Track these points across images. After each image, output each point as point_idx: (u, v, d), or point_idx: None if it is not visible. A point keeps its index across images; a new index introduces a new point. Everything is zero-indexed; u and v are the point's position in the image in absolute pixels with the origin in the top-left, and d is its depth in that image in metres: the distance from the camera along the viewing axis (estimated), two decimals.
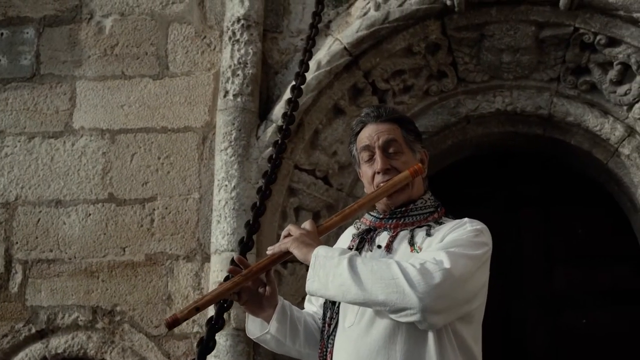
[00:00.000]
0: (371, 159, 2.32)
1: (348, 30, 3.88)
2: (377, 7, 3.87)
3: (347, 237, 2.39)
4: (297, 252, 2.17)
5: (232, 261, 2.31)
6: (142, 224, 3.97)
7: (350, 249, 2.25)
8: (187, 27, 4.20)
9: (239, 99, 3.83)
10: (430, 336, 2.06)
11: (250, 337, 2.41)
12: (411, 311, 1.96)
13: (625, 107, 4.08)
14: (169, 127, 4.07)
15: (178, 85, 4.13)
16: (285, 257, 2.23)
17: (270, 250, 2.23)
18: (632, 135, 4.08)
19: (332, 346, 2.19)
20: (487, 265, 2.17)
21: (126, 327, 3.86)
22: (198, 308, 2.12)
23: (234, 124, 3.81)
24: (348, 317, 2.16)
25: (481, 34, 4.05)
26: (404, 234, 2.24)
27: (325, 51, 3.89)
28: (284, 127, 2.55)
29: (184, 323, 3.71)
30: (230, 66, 3.90)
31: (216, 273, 3.67)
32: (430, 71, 4.18)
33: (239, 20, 3.95)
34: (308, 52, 2.78)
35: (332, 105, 3.98)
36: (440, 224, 2.25)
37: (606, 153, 4.17)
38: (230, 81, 3.88)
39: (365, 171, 2.35)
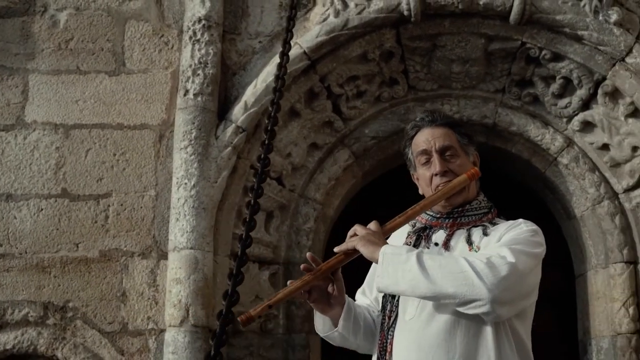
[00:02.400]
0: (428, 162, 2.64)
1: (308, 35, 4.31)
2: (337, 14, 4.32)
3: (401, 233, 2.69)
4: (364, 250, 2.43)
5: (305, 260, 2.59)
6: (97, 220, 4.27)
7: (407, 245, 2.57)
8: (144, 24, 4.53)
9: (199, 99, 4.21)
10: (489, 331, 2.38)
11: (319, 334, 2.74)
12: (480, 302, 2.26)
13: (565, 120, 4.64)
14: (125, 124, 4.40)
15: (135, 83, 4.47)
16: (353, 256, 2.49)
17: (337, 249, 2.50)
18: (571, 146, 4.66)
19: (392, 337, 2.48)
20: (541, 265, 2.47)
21: (79, 324, 4.15)
22: (270, 306, 2.39)
23: (194, 123, 4.18)
24: (408, 310, 2.46)
25: (434, 44, 4.59)
26: (460, 233, 2.58)
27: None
28: (266, 141, 2.85)
29: (139, 320, 4.07)
30: (190, 65, 4.27)
31: (174, 270, 4.04)
32: (382, 78, 4.72)
33: (200, 20, 4.34)
34: (287, 51, 3.11)
35: (289, 107, 4.44)
36: (494, 224, 2.60)
37: (545, 162, 4.74)
38: (190, 80, 4.24)
39: (423, 173, 2.66)
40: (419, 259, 2.31)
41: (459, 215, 2.62)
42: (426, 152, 2.64)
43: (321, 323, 2.68)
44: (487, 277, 2.25)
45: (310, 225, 4.65)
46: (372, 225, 2.50)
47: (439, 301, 2.34)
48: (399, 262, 2.33)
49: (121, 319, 4.20)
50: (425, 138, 2.66)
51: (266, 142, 2.95)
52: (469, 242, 2.54)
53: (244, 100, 4.32)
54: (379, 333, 2.56)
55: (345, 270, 2.64)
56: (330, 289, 2.58)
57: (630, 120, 4.48)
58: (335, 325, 2.63)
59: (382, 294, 2.57)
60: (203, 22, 4.38)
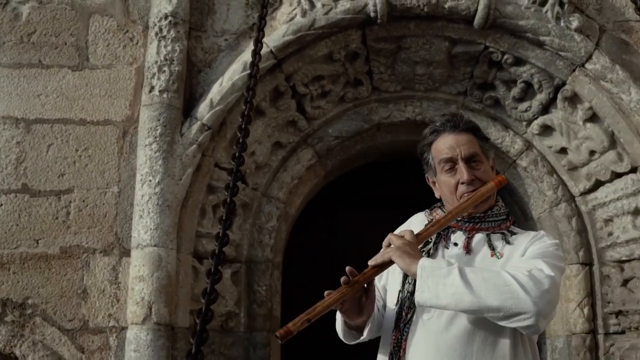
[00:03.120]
0: (452, 169, 2.67)
1: (275, 34, 4.37)
2: (304, 13, 4.39)
3: (417, 226, 2.72)
4: (400, 262, 2.45)
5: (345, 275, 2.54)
6: (58, 216, 4.27)
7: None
8: (109, 19, 4.55)
9: (164, 95, 4.25)
10: (506, 343, 2.45)
11: (343, 340, 2.76)
12: (526, 315, 2.30)
13: (524, 123, 4.78)
14: (88, 120, 4.41)
15: (98, 78, 4.49)
16: (387, 267, 2.51)
17: (372, 262, 2.50)
18: (530, 149, 4.79)
19: (407, 335, 2.52)
20: None
21: (38, 321, 4.16)
22: (310, 320, 2.38)
23: (159, 119, 4.22)
24: (426, 310, 2.49)
25: (398, 46, 4.71)
26: (480, 237, 2.64)
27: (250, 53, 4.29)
28: (240, 140, 2.90)
29: (100, 317, 4.09)
30: (156, 62, 4.31)
31: (137, 268, 4.08)
32: (347, 78, 4.82)
33: (166, 16, 4.38)
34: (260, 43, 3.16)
35: (254, 106, 4.40)
36: (512, 232, 2.67)
37: (504, 164, 4.89)
38: (156, 77, 4.28)
39: (447, 180, 2.69)
40: (462, 273, 2.35)
41: (480, 221, 2.68)
42: (451, 160, 2.66)
43: (346, 337, 2.72)
44: (532, 290, 2.30)
45: (273, 224, 4.72)
46: (407, 234, 2.52)
47: (482, 315, 2.36)
48: (440, 275, 2.36)
49: (82, 316, 4.21)
50: (450, 145, 2.68)
51: (240, 140, 3.00)
52: (491, 246, 2.61)
53: (210, 98, 4.36)
54: (393, 329, 2.58)
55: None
56: (362, 298, 2.56)
57: (588, 124, 4.64)
58: (361, 332, 2.66)
59: (399, 290, 2.61)
60: (169, 18, 4.41)
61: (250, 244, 4.64)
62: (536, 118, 4.81)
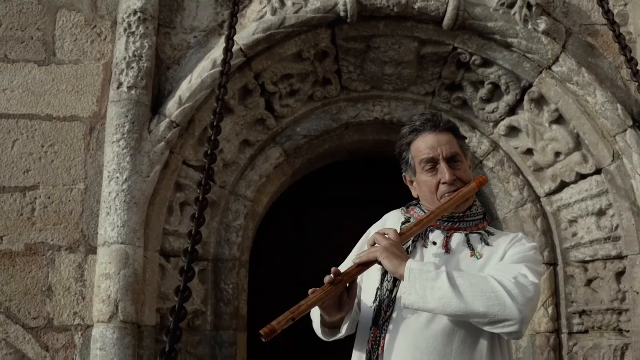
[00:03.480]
0: (433, 169, 2.68)
1: (245, 32, 4.39)
2: (274, 12, 4.41)
3: (394, 222, 2.76)
4: (387, 264, 2.45)
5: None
6: (23, 212, 4.25)
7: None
8: (76, 14, 4.53)
9: (133, 92, 4.25)
10: (485, 344, 2.48)
11: (320, 336, 2.76)
12: (511, 322, 2.34)
13: (491, 124, 4.84)
14: (55, 116, 4.39)
15: (65, 73, 4.46)
16: (371, 266, 2.51)
17: (358, 260, 2.51)
18: (497, 150, 4.86)
19: (386, 332, 2.52)
20: None
21: (1, 319, 4.17)
22: (294, 318, 2.36)
23: (127, 116, 4.21)
24: (406, 308, 2.47)
25: (368, 46, 4.74)
26: (459, 237, 2.67)
27: (220, 50, 4.39)
28: (212, 138, 2.91)
29: (65, 315, 4.07)
30: (125, 58, 4.30)
31: (104, 265, 4.07)
32: (316, 77, 4.85)
33: (135, 13, 4.38)
34: (231, 37, 3.17)
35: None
36: (489, 233, 2.71)
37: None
38: (124, 73, 4.27)
39: (427, 180, 2.70)
40: (450, 277, 2.37)
41: (459, 220, 2.70)
42: (433, 160, 2.68)
43: (323, 334, 2.73)
44: (518, 298, 2.34)
45: (241, 222, 4.73)
46: (391, 234, 2.52)
47: (467, 319, 2.39)
48: (428, 279, 2.38)
49: (46, 314, 4.19)
50: (431, 145, 2.69)
51: (212, 138, 3.01)
52: (470, 247, 2.63)
53: (179, 95, 4.37)
54: (371, 327, 2.57)
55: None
56: (344, 295, 2.55)
57: (554, 126, 4.72)
58: (337, 329, 2.67)
59: (377, 287, 2.61)
60: (139, 14, 4.40)
61: (218, 242, 4.65)
62: (503, 119, 4.88)
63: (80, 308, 4.19)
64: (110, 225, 4.15)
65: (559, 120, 4.71)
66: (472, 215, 2.72)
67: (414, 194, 2.83)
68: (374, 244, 2.51)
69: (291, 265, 5.87)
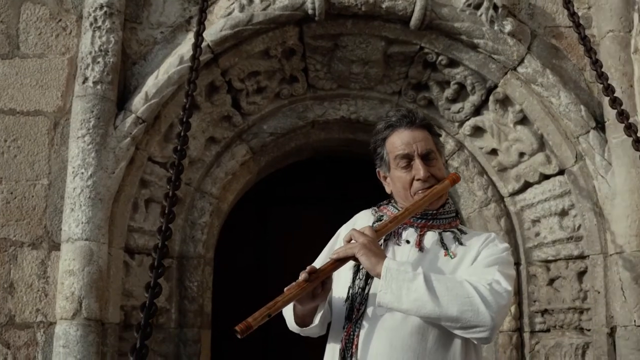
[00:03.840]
0: (408, 165, 2.69)
1: (212, 28, 4.40)
2: (242, 8, 4.43)
3: (364, 222, 2.76)
4: (365, 261, 2.45)
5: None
6: None
7: None
8: (41, 7, 4.49)
9: (98, 87, 4.23)
10: (458, 343, 2.49)
11: (294, 330, 2.76)
12: (482, 329, 2.36)
13: (457, 124, 4.91)
14: (18, 110, 4.36)
15: (29, 67, 4.42)
16: (347, 262, 2.51)
17: (335, 256, 2.50)
18: (462, 150, 4.92)
19: (360, 330, 2.52)
20: None
21: None
22: (270, 314, 2.34)
23: (92, 111, 4.20)
24: (378, 306, 2.48)
25: (335, 44, 4.76)
26: (432, 235, 2.67)
27: (187, 46, 4.37)
28: (181, 133, 2.90)
29: (27, 312, 4.04)
30: (90, 53, 4.28)
31: (67, 262, 4.06)
32: (283, 75, 4.86)
33: (101, 7, 4.37)
34: (201, 31, 3.16)
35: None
36: (462, 232, 2.72)
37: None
38: (90, 68, 4.25)
39: (401, 176, 2.70)
40: (427, 280, 2.38)
41: (433, 218, 2.70)
42: (408, 156, 2.68)
43: (294, 329, 2.73)
44: (492, 305, 2.35)
45: (206, 219, 4.74)
46: (368, 230, 2.51)
47: (439, 322, 2.40)
48: (405, 279, 2.38)
49: (8, 311, 4.15)
50: (406, 141, 2.69)
51: (182, 133, 3.01)
52: (444, 245, 2.64)
53: (145, 90, 4.35)
54: (344, 324, 2.57)
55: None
56: (318, 289, 2.53)
57: (518, 127, 4.80)
58: (310, 321, 2.66)
59: (349, 285, 2.61)
60: (105, 9, 4.38)
61: (182, 239, 4.65)
62: (468, 119, 4.94)
63: (43, 305, 4.15)
64: (75, 221, 4.13)
65: (523, 120, 4.78)
66: (445, 213, 2.73)
67: (387, 190, 2.83)
68: (350, 240, 2.50)
69: (254, 262, 5.88)
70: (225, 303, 5.16)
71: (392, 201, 2.82)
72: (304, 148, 5.24)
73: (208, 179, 4.80)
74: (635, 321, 4.23)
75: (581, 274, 4.60)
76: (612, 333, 4.39)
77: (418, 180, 2.66)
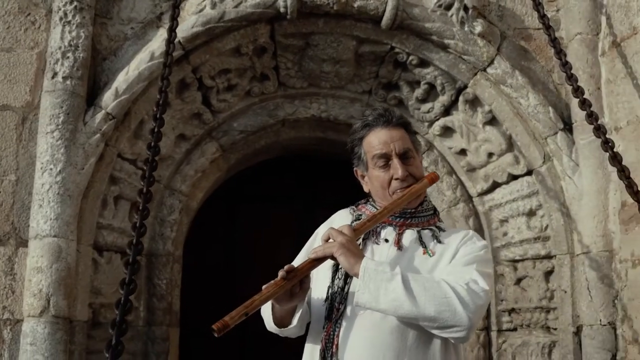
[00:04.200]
0: (386, 164, 2.71)
1: (183, 24, 4.42)
2: (214, 5, 4.45)
3: (342, 221, 2.75)
4: (343, 260, 2.46)
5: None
6: None
7: None
8: (10, 1, 4.51)
9: (68, 82, 4.20)
10: (438, 342, 2.51)
11: (272, 330, 2.75)
12: (459, 328, 2.39)
13: (426, 124, 4.96)
14: None
15: None
16: (325, 261, 2.51)
17: (313, 255, 2.50)
18: (431, 150, 4.98)
19: (340, 329, 2.53)
20: None
21: None
22: (247, 313, 2.34)
23: (62, 107, 4.17)
24: (358, 306, 2.49)
25: (306, 43, 4.79)
26: (411, 233, 2.69)
27: (158, 43, 4.37)
28: (155, 129, 2.91)
29: None
30: (60, 47, 4.25)
31: (35, 259, 4.04)
32: (254, 73, 4.88)
33: (71, 1, 4.38)
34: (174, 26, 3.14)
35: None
36: (440, 229, 2.73)
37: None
38: (59, 63, 4.22)
39: (379, 176, 2.72)
40: (404, 280, 2.39)
41: (411, 216, 2.72)
42: (385, 156, 2.70)
43: (272, 329, 2.73)
44: (469, 305, 2.38)
45: (175, 217, 4.73)
46: (346, 229, 2.52)
47: (416, 322, 2.42)
48: (383, 279, 2.39)
49: None
50: (384, 140, 2.71)
51: (155, 129, 3.01)
52: (422, 244, 2.65)
53: (115, 86, 4.33)
54: (324, 324, 2.58)
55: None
56: (296, 288, 2.54)
57: (487, 127, 4.86)
58: (288, 322, 2.67)
59: (328, 285, 2.63)
60: (75, 3, 4.35)
61: (152, 237, 4.63)
62: (438, 119, 4.99)
63: (10, 302, 4.11)
64: (43, 217, 4.09)
65: (492, 121, 4.84)
66: (423, 211, 2.75)
67: (365, 189, 2.86)
68: (328, 239, 2.51)
69: (223, 260, 5.88)
70: (193, 301, 5.16)
71: (371, 200, 2.84)
72: (274, 146, 5.25)
73: (178, 177, 4.79)
74: (601, 320, 4.32)
75: (548, 274, 4.68)
76: (578, 332, 4.47)
77: (396, 179, 2.68)
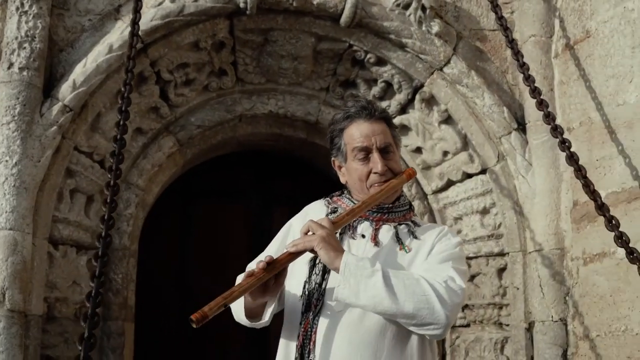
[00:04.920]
0: (366, 157, 2.69)
1: (143, 17, 4.39)
2: None
3: (317, 213, 2.76)
4: (324, 254, 2.44)
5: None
6: None
7: None
8: None
9: (24, 73, 4.18)
10: (415, 338, 2.52)
11: (241, 321, 2.73)
12: (436, 326, 2.40)
13: None
14: None
15: None
16: (303, 254, 2.49)
17: (293, 249, 2.47)
18: None
19: (317, 326, 2.52)
20: None
21: None
22: (226, 304, 2.32)
23: (18, 98, 4.13)
24: (336, 302, 2.50)
25: (265, 39, 4.83)
26: (387, 229, 2.69)
27: (117, 35, 4.38)
28: (120, 122, 2.91)
29: None
30: (16, 38, 4.23)
31: None
32: (212, 68, 4.89)
33: None
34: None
35: (117, 90, 4.48)
36: (416, 224, 2.74)
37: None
38: (16, 53, 4.19)
39: (358, 168, 2.70)
40: (385, 276, 2.39)
41: (388, 211, 2.71)
42: (366, 149, 2.68)
43: (243, 321, 2.71)
44: (446, 302, 2.40)
45: (131, 211, 4.72)
46: (326, 222, 2.51)
47: (394, 318, 2.43)
48: (363, 275, 2.39)
49: None
50: (365, 133, 2.69)
51: (121, 122, 3.01)
52: (399, 240, 2.65)
53: (73, 79, 4.30)
54: (300, 320, 2.56)
55: None
56: (270, 281, 2.51)
57: (443, 126, 4.94)
58: (259, 315, 2.66)
59: (305, 280, 2.60)
60: None
61: None
62: (394, 117, 5.04)
63: None
64: None
65: (448, 120, 4.94)
66: (400, 206, 2.76)
67: (342, 180, 2.84)
68: (307, 232, 2.50)
69: (177, 255, 5.86)
70: (146, 296, 5.14)
71: (346, 192, 2.85)
72: (231, 142, 5.27)
73: (134, 170, 4.77)
74: (552, 317, 4.44)
75: (501, 271, 4.79)
76: (530, 328, 4.59)
77: (375, 173, 2.67)
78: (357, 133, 2.71)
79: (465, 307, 4.84)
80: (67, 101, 4.27)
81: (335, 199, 2.85)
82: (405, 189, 5.04)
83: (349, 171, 2.76)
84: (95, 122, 4.49)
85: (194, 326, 2.25)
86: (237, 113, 5.03)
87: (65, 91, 4.29)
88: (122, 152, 4.59)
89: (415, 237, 2.67)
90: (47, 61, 4.38)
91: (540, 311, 4.50)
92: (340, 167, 2.84)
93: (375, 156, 2.67)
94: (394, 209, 2.74)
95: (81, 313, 4.35)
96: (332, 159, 2.86)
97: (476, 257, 4.86)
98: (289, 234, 2.82)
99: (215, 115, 4.99)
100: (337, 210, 2.74)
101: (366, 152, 2.68)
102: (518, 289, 4.65)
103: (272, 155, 5.84)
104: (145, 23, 4.40)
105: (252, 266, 2.71)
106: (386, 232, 2.68)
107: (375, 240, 2.65)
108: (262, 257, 2.69)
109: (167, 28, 4.51)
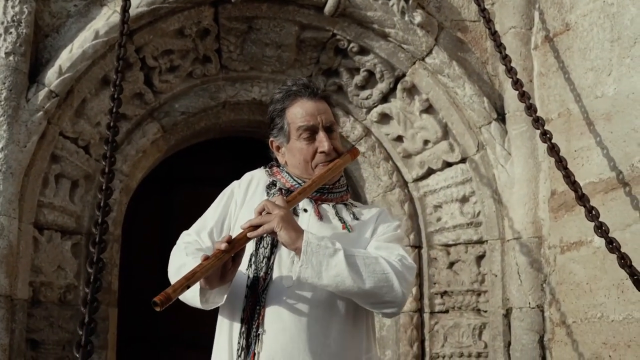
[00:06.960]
0: (312, 137, 2.67)
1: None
2: None
3: (259, 182, 2.76)
4: (284, 235, 2.40)
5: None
6: None
7: None
8: None
9: (11, 58, 4.20)
10: (362, 310, 2.54)
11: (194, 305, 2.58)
12: (394, 304, 2.45)
13: (365, 110, 5.09)
14: None
15: None
16: (262, 234, 2.45)
17: (251, 234, 2.43)
18: (369, 135, 5.13)
19: (266, 301, 2.49)
20: None
21: None
22: (189, 285, 2.31)
23: (4, 83, 4.19)
24: (285, 277, 2.51)
25: (249, 27, 4.88)
26: (327, 207, 2.70)
27: (103, 21, 4.41)
28: (113, 110, 2.96)
29: None
30: (2, 23, 4.28)
31: None
32: (197, 54, 4.93)
33: None
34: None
35: (103, 76, 4.53)
36: (354, 205, 2.78)
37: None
38: (2, 38, 4.26)
39: (303, 148, 2.68)
40: (347, 255, 2.40)
41: (328, 192, 2.72)
42: (312, 128, 2.67)
43: (200, 304, 2.53)
44: (404, 281, 2.45)
45: (115, 196, 4.74)
46: (280, 201, 2.49)
47: (354, 297, 2.44)
48: (325, 255, 2.39)
49: None
50: (310, 112, 2.67)
51: (113, 110, 3.05)
52: (341, 219, 2.66)
53: (59, 64, 4.34)
54: (246, 294, 2.52)
55: None
56: (228, 264, 2.45)
57: (424, 115, 5.03)
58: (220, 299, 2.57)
59: (251, 252, 2.56)
60: None
61: (91, 216, 4.63)
62: (376, 106, 5.15)
63: None
64: None
65: (429, 109, 5.03)
66: (339, 187, 2.77)
67: (281, 160, 2.79)
68: (262, 211, 2.45)
69: (159, 240, 5.90)
70: (130, 281, 5.19)
71: (284, 166, 2.79)
72: (214, 128, 5.32)
73: (119, 157, 4.75)
74: (530, 303, 4.56)
75: (480, 258, 4.91)
76: (507, 314, 4.71)
77: (322, 152, 2.65)
78: (301, 112, 2.68)
79: (444, 293, 4.95)
80: (53, 87, 4.31)
81: (275, 170, 2.80)
82: (385, 177, 5.17)
83: (292, 151, 2.72)
84: (80, 108, 4.53)
85: (157, 309, 2.21)
86: (221, 100, 5.09)
87: (52, 77, 4.33)
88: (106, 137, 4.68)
89: (356, 218, 2.70)
90: (33, 47, 4.40)
91: (518, 298, 4.62)
92: (278, 148, 2.80)
93: (321, 135, 2.66)
94: (334, 189, 2.75)
95: (65, 298, 4.44)
96: (271, 139, 2.81)
97: (455, 245, 4.97)
98: (232, 199, 2.78)
99: (199, 102, 5.04)
100: (276, 183, 2.72)
101: (312, 131, 2.66)
102: (496, 276, 4.77)
103: (252, 141, 5.89)
104: (131, 10, 4.41)
105: (190, 234, 2.75)
106: (327, 210, 2.69)
107: (319, 214, 2.65)
108: (202, 223, 2.75)
109: (153, 15, 4.55)
